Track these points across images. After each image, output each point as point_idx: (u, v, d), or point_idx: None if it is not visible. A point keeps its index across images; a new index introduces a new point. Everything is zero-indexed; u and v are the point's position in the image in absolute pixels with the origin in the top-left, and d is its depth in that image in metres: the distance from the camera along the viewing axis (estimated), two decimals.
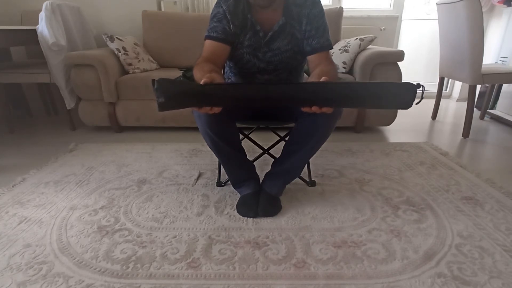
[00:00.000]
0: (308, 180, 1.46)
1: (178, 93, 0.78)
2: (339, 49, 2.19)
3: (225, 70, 1.36)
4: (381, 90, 0.79)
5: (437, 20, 2.32)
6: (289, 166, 1.23)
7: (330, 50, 1.18)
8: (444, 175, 1.55)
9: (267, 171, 1.32)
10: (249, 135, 1.42)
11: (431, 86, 3.26)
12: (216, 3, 1.17)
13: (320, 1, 1.17)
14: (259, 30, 1.16)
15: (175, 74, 1.97)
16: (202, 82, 0.81)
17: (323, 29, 1.15)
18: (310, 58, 1.17)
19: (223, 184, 1.45)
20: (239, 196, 1.30)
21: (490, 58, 2.67)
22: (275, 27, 1.15)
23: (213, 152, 1.20)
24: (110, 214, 1.23)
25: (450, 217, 1.20)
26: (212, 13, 1.17)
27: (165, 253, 1.01)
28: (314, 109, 0.83)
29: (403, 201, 1.32)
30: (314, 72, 1.10)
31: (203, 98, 0.81)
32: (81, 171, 1.61)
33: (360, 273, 0.93)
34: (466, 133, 2.10)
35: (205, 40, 1.16)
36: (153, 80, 0.77)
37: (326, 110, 0.83)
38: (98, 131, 2.26)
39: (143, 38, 2.50)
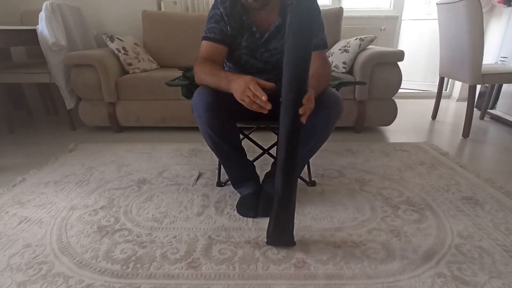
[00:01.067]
0: (308, 180, 1.45)
1: None
2: (339, 49, 2.19)
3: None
4: (299, 21, 0.87)
5: (437, 20, 2.32)
6: None
7: (327, 50, 1.18)
8: (444, 175, 1.55)
9: (267, 171, 1.32)
10: (249, 135, 1.42)
11: (431, 86, 3.27)
12: (213, 5, 1.17)
13: (315, 0, 1.16)
14: (255, 31, 1.16)
15: (175, 74, 1.97)
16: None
17: (317, 28, 1.15)
18: None
19: (223, 184, 1.45)
20: (239, 196, 1.30)
21: (490, 58, 2.67)
22: (272, 28, 1.15)
23: (213, 152, 1.20)
24: (110, 214, 1.23)
25: (450, 217, 1.20)
26: (209, 14, 1.16)
27: (165, 253, 1.01)
28: (302, 111, 0.90)
29: (403, 201, 1.32)
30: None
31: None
32: (81, 171, 1.61)
33: (360, 273, 0.93)
34: (466, 133, 2.10)
35: (202, 41, 1.16)
36: None
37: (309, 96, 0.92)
38: (98, 131, 2.26)
39: (143, 38, 2.50)
